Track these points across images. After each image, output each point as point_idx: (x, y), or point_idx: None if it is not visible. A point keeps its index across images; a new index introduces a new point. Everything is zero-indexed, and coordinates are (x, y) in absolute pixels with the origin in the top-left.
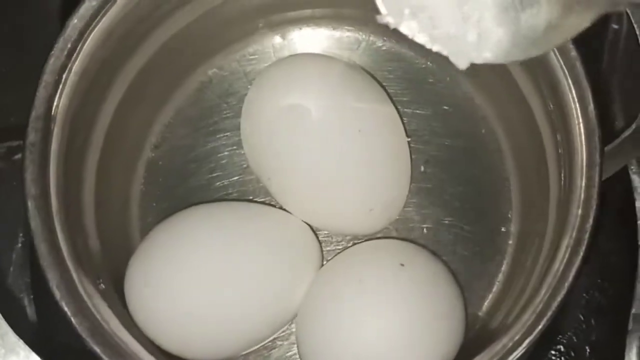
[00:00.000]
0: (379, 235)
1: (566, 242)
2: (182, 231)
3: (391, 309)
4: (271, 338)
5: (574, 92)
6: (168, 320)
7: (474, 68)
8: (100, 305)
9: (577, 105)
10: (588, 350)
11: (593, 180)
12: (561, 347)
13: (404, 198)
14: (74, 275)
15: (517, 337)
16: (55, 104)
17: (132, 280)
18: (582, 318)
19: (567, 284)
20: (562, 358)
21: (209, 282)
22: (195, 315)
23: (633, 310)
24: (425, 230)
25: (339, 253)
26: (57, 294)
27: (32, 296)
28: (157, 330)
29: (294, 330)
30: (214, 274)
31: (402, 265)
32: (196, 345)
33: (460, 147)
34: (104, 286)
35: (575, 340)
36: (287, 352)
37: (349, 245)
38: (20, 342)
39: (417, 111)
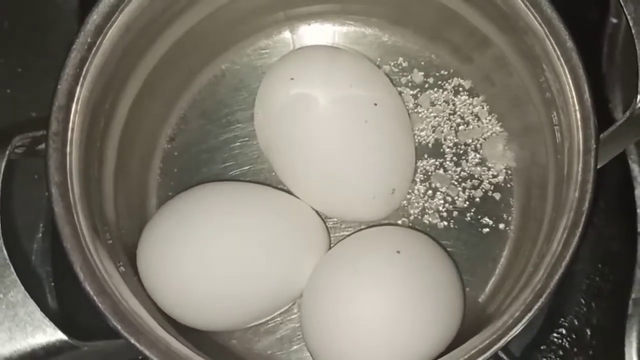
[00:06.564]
0: (384, 222)
1: (564, 223)
2: (194, 206)
3: (385, 292)
4: (279, 318)
5: (570, 81)
6: (175, 290)
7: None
8: (120, 285)
9: (574, 94)
10: (589, 332)
11: (589, 165)
12: (563, 329)
13: (409, 186)
14: (96, 258)
15: (517, 314)
16: (76, 95)
17: (143, 251)
18: (583, 302)
19: (564, 263)
20: (564, 340)
21: (217, 255)
22: (201, 285)
23: (633, 295)
24: (429, 217)
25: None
26: (81, 275)
27: (52, 284)
28: (165, 299)
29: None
30: (223, 248)
31: (398, 252)
32: (201, 314)
33: None
34: (124, 269)
35: (576, 323)
36: (295, 332)
37: (356, 231)
38: (46, 320)
39: None
